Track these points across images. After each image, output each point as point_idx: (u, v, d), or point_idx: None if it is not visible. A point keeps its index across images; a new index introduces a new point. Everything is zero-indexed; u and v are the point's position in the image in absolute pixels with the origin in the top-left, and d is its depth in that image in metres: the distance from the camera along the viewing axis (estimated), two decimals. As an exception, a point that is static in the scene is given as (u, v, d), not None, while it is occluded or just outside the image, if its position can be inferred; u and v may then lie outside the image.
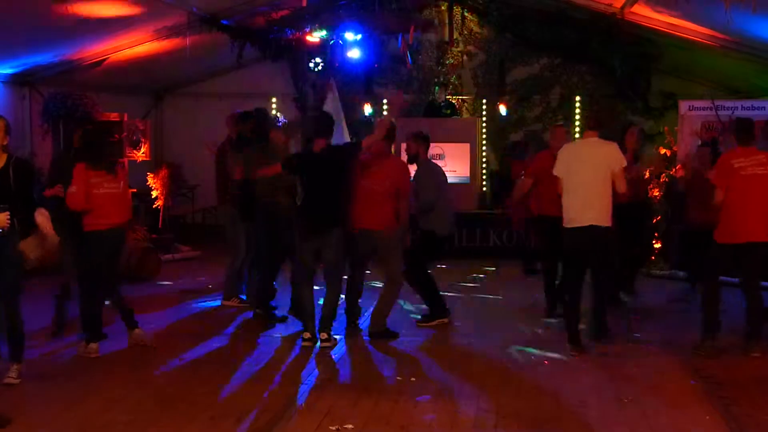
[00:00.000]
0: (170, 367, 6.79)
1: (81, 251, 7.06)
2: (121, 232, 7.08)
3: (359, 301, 8.07)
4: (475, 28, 14.39)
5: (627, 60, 12.76)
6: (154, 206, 12.41)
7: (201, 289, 10.08)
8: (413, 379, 6.41)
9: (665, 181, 11.24)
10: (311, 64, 13.64)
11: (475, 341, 7.61)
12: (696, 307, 8.80)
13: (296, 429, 5.37)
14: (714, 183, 7.10)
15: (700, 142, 9.61)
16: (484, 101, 14.22)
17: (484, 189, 13.64)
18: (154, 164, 12.96)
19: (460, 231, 12.30)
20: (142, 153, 12.65)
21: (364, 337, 7.69)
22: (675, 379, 6.44)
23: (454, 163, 12.54)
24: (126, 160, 12.13)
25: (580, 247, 7.04)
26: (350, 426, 5.33)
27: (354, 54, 13.03)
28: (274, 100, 14.32)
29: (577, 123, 13.65)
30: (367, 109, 14.06)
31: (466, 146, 12.95)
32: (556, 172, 7.20)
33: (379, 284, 8.22)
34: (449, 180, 8.78)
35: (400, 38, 12.98)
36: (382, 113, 13.84)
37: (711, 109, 11.31)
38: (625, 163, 7.03)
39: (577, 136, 13.14)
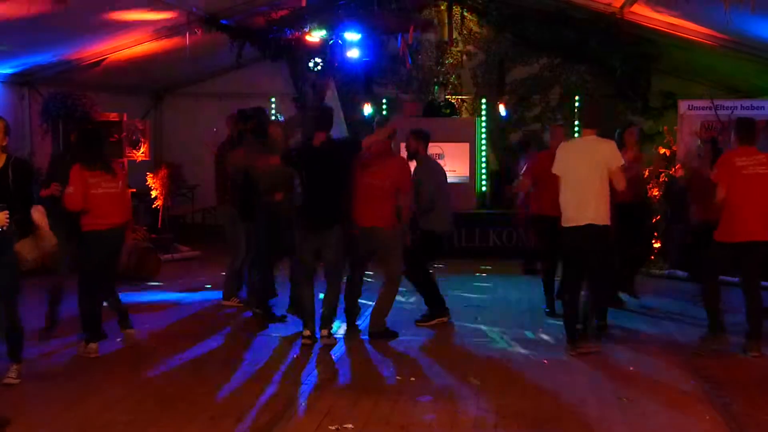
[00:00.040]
0: (170, 367, 6.79)
1: (80, 251, 7.06)
2: (120, 232, 7.07)
3: (359, 301, 8.07)
4: (475, 28, 14.40)
5: (626, 60, 12.76)
6: (153, 206, 12.41)
7: (200, 289, 10.07)
8: (413, 379, 6.41)
9: (665, 180, 11.24)
10: (311, 64, 13.64)
11: (475, 341, 7.61)
12: (695, 308, 8.88)
13: (296, 429, 5.37)
14: (716, 180, 7.10)
15: (700, 142, 9.60)
16: (484, 101, 14.22)
17: (484, 189, 13.64)
18: (153, 164, 12.97)
19: (459, 231, 12.34)
20: (142, 153, 12.65)
21: (364, 337, 7.69)
22: (675, 379, 6.44)
23: (454, 163, 12.54)
24: (125, 160, 12.14)
25: (578, 246, 7.03)
26: (350, 426, 5.33)
27: (353, 54, 13.03)
28: (273, 99, 14.32)
29: (576, 123, 13.64)
30: (367, 109, 14.05)
31: (466, 146, 12.96)
32: (554, 170, 7.21)
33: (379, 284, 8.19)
34: (449, 180, 8.78)
35: (399, 38, 12.98)
36: (382, 113, 13.84)
37: (710, 108, 11.32)
38: (622, 162, 7.02)
39: (576, 135, 13.13)
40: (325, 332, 7.44)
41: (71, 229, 7.02)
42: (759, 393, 6.07)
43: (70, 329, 7.62)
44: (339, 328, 7.91)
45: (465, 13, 14.28)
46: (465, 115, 14.38)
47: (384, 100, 14.35)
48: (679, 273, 10.75)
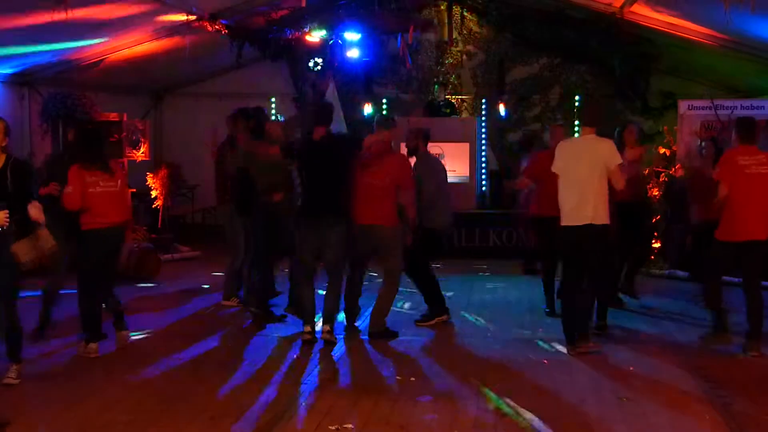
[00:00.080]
0: (170, 367, 6.79)
1: (79, 250, 7.06)
2: (119, 231, 7.06)
3: (359, 301, 8.07)
4: (475, 28, 14.42)
5: (626, 59, 12.76)
6: (153, 206, 12.41)
7: (200, 289, 10.07)
8: (413, 379, 6.41)
9: (665, 180, 11.24)
10: (310, 64, 13.65)
11: (474, 341, 7.60)
12: (695, 308, 8.88)
13: (296, 429, 5.37)
14: (718, 178, 7.09)
15: (701, 142, 9.60)
16: (484, 101, 14.23)
17: (484, 189, 13.64)
18: (153, 164, 12.97)
19: (459, 231, 12.35)
20: (142, 153, 12.65)
21: (364, 338, 7.69)
22: (675, 378, 6.43)
23: (454, 163, 12.53)
24: (125, 160, 12.13)
25: (577, 245, 7.03)
26: (350, 426, 5.33)
27: (353, 54, 13.03)
28: (273, 99, 14.32)
29: (576, 123, 13.64)
30: (367, 109, 14.06)
31: (466, 146, 12.96)
32: (554, 168, 7.21)
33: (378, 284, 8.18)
34: (449, 180, 8.77)
35: (399, 38, 12.98)
36: (382, 112, 13.83)
37: (710, 108, 11.33)
38: (620, 161, 7.01)
39: (576, 135, 13.14)
40: (327, 328, 7.45)
41: (69, 228, 7.02)
42: (759, 393, 6.07)
43: (70, 329, 7.63)
44: (338, 329, 7.91)
45: (465, 13, 14.30)
46: (465, 115, 14.38)
47: (384, 100, 14.36)
48: (679, 273, 10.75)
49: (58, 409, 5.69)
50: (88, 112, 11.47)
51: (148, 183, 12.36)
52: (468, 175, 12.94)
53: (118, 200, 7.03)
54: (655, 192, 11.22)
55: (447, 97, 13.91)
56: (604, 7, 11.65)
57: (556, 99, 14.47)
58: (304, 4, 11.33)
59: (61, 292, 7.64)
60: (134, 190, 10.94)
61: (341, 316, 7.96)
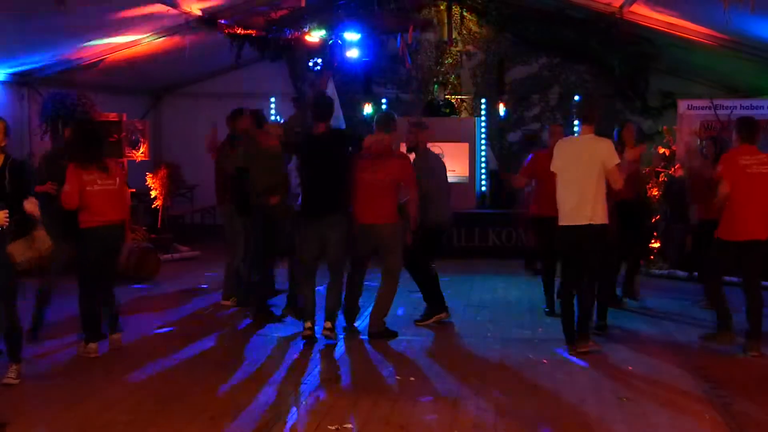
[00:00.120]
0: (169, 367, 6.79)
1: (77, 249, 7.06)
2: (118, 229, 7.05)
3: (359, 301, 8.07)
4: (474, 28, 14.41)
5: (626, 59, 12.78)
6: (153, 206, 12.41)
7: (200, 289, 10.07)
8: (412, 379, 6.41)
9: (664, 180, 11.25)
10: (310, 64, 13.65)
11: (474, 341, 7.60)
12: (695, 308, 8.89)
13: (296, 429, 5.37)
14: (720, 176, 7.07)
15: (701, 142, 9.60)
16: (483, 101, 14.24)
17: (484, 189, 13.65)
18: (153, 164, 12.96)
19: (459, 231, 12.35)
20: (141, 153, 12.64)
21: (363, 338, 7.69)
22: (675, 378, 6.43)
23: (453, 163, 12.50)
24: (125, 160, 12.13)
25: (576, 245, 7.03)
26: (349, 426, 5.33)
27: (353, 54, 13.03)
28: (273, 99, 14.32)
29: (575, 122, 13.65)
30: (367, 109, 14.06)
31: (465, 146, 12.96)
32: (552, 168, 7.20)
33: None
34: (449, 180, 8.75)
35: (399, 38, 12.98)
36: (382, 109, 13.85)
37: (710, 108, 11.33)
38: (618, 161, 7.00)
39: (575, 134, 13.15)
40: (328, 325, 7.45)
41: (66, 228, 7.03)
42: (759, 393, 6.07)
43: (70, 329, 7.63)
44: (338, 329, 7.90)
45: (464, 13, 14.30)
46: (464, 114, 14.39)
47: (384, 100, 14.37)
48: (679, 273, 10.75)
49: (58, 409, 5.69)
50: (88, 112, 11.46)
51: (147, 183, 12.36)
52: (467, 175, 12.94)
53: (116, 198, 7.02)
54: (655, 192, 11.22)
55: (446, 97, 13.91)
56: (603, 7, 11.65)
57: (555, 99, 14.47)
58: (303, 4, 11.32)
59: (61, 292, 7.64)
60: (134, 190, 10.95)
61: (341, 317, 7.95)
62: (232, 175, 8.54)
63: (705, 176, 7.95)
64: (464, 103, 14.65)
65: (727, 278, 7.73)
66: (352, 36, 12.71)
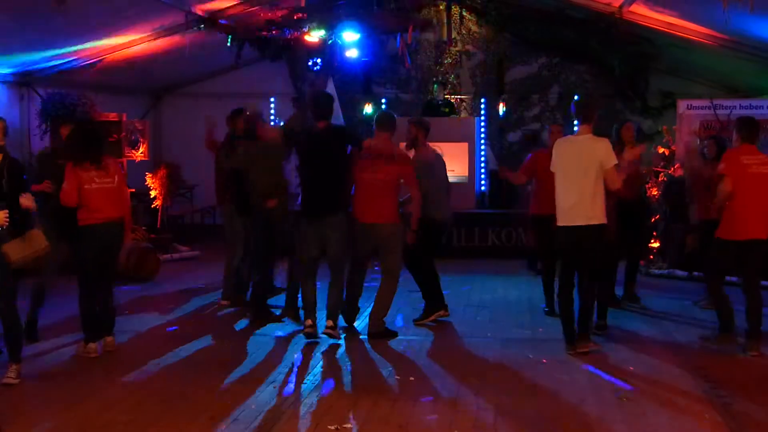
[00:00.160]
0: (169, 367, 6.79)
1: (77, 247, 7.06)
2: (116, 226, 7.03)
3: (358, 301, 8.07)
4: (474, 28, 14.40)
5: (625, 59, 12.78)
6: (152, 206, 12.41)
7: (199, 289, 10.07)
8: (412, 378, 6.41)
9: (664, 180, 11.25)
10: (309, 62, 13.64)
11: (474, 341, 7.60)
12: (695, 308, 8.89)
13: (295, 429, 5.37)
14: (723, 173, 7.05)
15: (702, 141, 9.60)
16: (483, 100, 14.24)
17: (483, 188, 13.65)
18: (152, 164, 12.96)
19: (458, 230, 12.36)
20: (141, 153, 12.64)
21: (363, 337, 7.69)
22: (675, 378, 6.43)
23: (453, 163, 12.49)
24: (124, 160, 12.13)
25: (575, 246, 7.03)
26: (349, 426, 5.33)
27: (352, 54, 13.03)
28: (273, 99, 14.32)
29: (575, 122, 13.65)
30: (367, 109, 14.06)
31: (465, 145, 12.96)
32: (552, 167, 7.21)
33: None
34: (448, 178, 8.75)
35: (398, 38, 12.97)
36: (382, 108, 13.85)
37: (709, 108, 11.34)
38: (616, 161, 6.99)
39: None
40: (330, 323, 7.45)
41: (63, 227, 7.03)
42: (759, 393, 6.07)
43: (70, 329, 7.63)
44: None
45: (464, 13, 14.29)
46: (464, 114, 14.39)
47: (383, 100, 14.37)
48: (679, 273, 10.75)
49: (58, 409, 5.69)
50: (88, 112, 11.45)
51: (147, 183, 12.35)
52: (467, 174, 12.94)
53: (114, 196, 7.02)
54: (654, 192, 11.22)
55: (446, 96, 13.91)
56: (603, 7, 11.65)
57: (555, 99, 14.48)
58: (303, 4, 11.32)
59: (61, 292, 7.65)
60: (133, 190, 10.94)
61: (340, 317, 7.95)
62: (232, 174, 8.54)
63: (705, 176, 7.95)
64: (464, 103, 14.65)
65: (726, 278, 7.72)
66: (351, 36, 12.70)
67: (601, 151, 6.94)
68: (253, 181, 8.06)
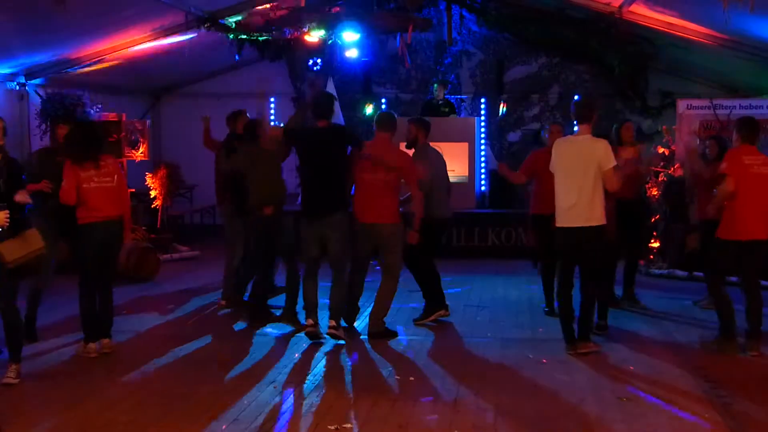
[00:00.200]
0: (169, 367, 6.79)
1: (76, 246, 7.05)
2: (115, 224, 7.02)
3: (358, 301, 8.07)
4: (473, 28, 14.40)
5: (625, 59, 12.78)
6: (152, 206, 12.41)
7: (199, 289, 10.07)
8: (412, 378, 6.41)
9: (664, 180, 11.25)
10: (309, 62, 13.64)
11: (474, 341, 7.60)
12: (695, 308, 8.89)
13: (295, 429, 5.37)
14: (726, 172, 7.03)
15: (704, 141, 9.59)
16: (483, 100, 14.24)
17: (483, 188, 13.65)
18: (152, 164, 12.96)
19: (458, 230, 12.36)
20: (141, 153, 12.64)
21: (363, 337, 7.68)
22: (675, 378, 6.43)
23: (453, 163, 12.49)
24: (124, 160, 12.13)
25: (575, 247, 7.02)
26: (349, 425, 5.33)
27: (352, 54, 13.03)
28: (272, 99, 14.31)
29: (575, 122, 13.65)
30: (368, 109, 14.06)
31: (465, 145, 12.96)
32: (550, 167, 7.20)
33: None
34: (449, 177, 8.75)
35: (398, 38, 12.97)
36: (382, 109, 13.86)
37: (709, 108, 11.34)
38: (614, 163, 6.98)
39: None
40: (333, 324, 7.42)
41: (60, 227, 7.02)
42: (759, 392, 6.07)
43: (70, 329, 7.63)
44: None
45: (464, 13, 14.28)
46: (464, 114, 14.39)
47: (383, 100, 14.37)
48: (679, 273, 10.75)
49: (58, 409, 5.69)
50: (88, 112, 11.46)
51: (147, 183, 12.35)
52: (467, 174, 12.94)
53: (114, 196, 7.02)
54: (654, 192, 11.23)
55: (446, 96, 13.91)
56: (603, 7, 11.66)
57: (555, 98, 14.48)
58: (303, 4, 11.31)
59: (60, 293, 7.64)
60: (133, 190, 10.94)
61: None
62: (231, 176, 8.53)
63: (704, 177, 7.94)
64: (464, 103, 14.65)
65: (726, 278, 7.72)
66: (351, 36, 12.70)
67: (600, 152, 6.93)
68: (251, 186, 8.05)
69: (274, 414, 5.59)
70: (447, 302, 8.39)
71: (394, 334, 7.69)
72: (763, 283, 7.38)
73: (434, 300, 8.26)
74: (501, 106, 14.00)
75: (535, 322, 8.29)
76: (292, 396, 6.00)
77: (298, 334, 7.71)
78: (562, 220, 7.01)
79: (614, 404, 5.80)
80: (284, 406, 5.76)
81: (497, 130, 14.42)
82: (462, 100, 14.62)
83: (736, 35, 9.86)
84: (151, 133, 13.32)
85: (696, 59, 12.16)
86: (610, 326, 7.85)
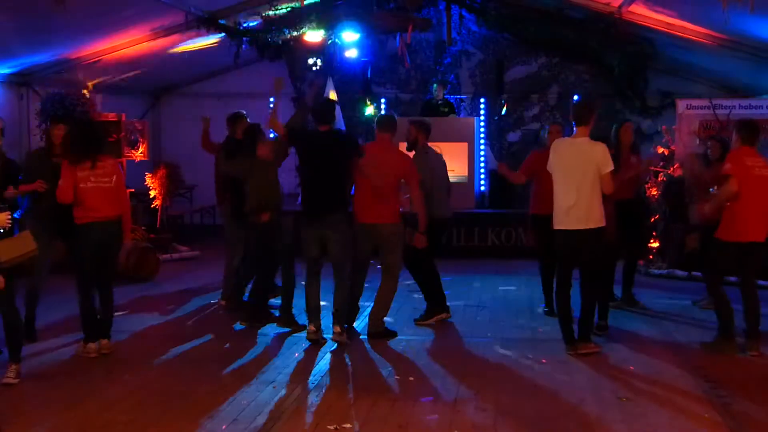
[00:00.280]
0: (169, 367, 6.80)
1: (73, 246, 7.05)
2: (113, 225, 7.01)
3: (358, 301, 8.06)
4: (473, 28, 14.40)
5: (625, 59, 12.76)
6: (152, 206, 12.42)
7: (199, 289, 10.07)
8: (412, 378, 6.41)
9: (663, 180, 11.25)
10: (309, 62, 13.63)
11: (474, 341, 7.60)
12: (694, 308, 8.90)
13: (295, 429, 5.37)
14: (729, 173, 7.01)
15: (706, 142, 9.59)
16: (482, 100, 14.24)
17: (483, 188, 13.65)
18: (152, 164, 12.97)
19: (458, 230, 12.36)
20: (140, 153, 12.64)
21: (363, 338, 7.68)
22: (675, 378, 6.43)
23: (452, 163, 12.49)
24: (124, 160, 12.13)
25: (573, 249, 7.02)
26: (348, 425, 5.33)
27: (352, 54, 13.02)
28: (272, 99, 14.30)
29: (573, 124, 13.65)
30: (368, 110, 14.07)
31: (464, 145, 12.96)
32: (548, 167, 7.20)
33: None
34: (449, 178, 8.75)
35: (398, 38, 12.97)
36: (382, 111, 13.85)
37: (709, 108, 11.34)
38: (612, 167, 6.97)
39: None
40: (337, 329, 7.40)
41: (58, 227, 7.02)
42: (759, 392, 6.07)
43: (70, 329, 7.63)
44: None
45: (463, 13, 14.28)
46: (463, 114, 14.39)
47: (383, 100, 14.38)
48: (679, 273, 10.75)
49: (58, 409, 5.69)
50: (87, 112, 11.46)
51: (146, 183, 12.36)
52: (467, 174, 12.95)
53: (112, 195, 7.01)
54: (654, 192, 11.23)
55: (445, 96, 13.92)
56: (602, 7, 11.66)
57: (554, 98, 14.48)
58: (303, 4, 11.31)
59: (60, 293, 7.64)
60: (132, 190, 10.94)
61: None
62: (229, 180, 8.53)
63: (705, 180, 7.93)
64: (463, 103, 14.66)
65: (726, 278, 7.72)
66: (351, 36, 12.69)
67: (598, 155, 6.94)
68: (249, 192, 8.04)
69: (274, 414, 5.59)
70: (448, 303, 8.39)
71: (394, 334, 7.69)
72: (762, 283, 7.36)
73: (436, 302, 8.26)
74: (503, 106, 13.99)
75: (535, 322, 8.29)
76: (291, 396, 6.00)
77: (297, 334, 7.71)
78: (561, 222, 7.01)
79: (614, 404, 5.81)
80: (284, 406, 5.76)
81: (497, 130, 14.42)
82: (461, 100, 14.63)
83: (735, 35, 9.86)
84: (150, 133, 13.34)
85: (695, 59, 12.17)
86: (610, 326, 7.85)
